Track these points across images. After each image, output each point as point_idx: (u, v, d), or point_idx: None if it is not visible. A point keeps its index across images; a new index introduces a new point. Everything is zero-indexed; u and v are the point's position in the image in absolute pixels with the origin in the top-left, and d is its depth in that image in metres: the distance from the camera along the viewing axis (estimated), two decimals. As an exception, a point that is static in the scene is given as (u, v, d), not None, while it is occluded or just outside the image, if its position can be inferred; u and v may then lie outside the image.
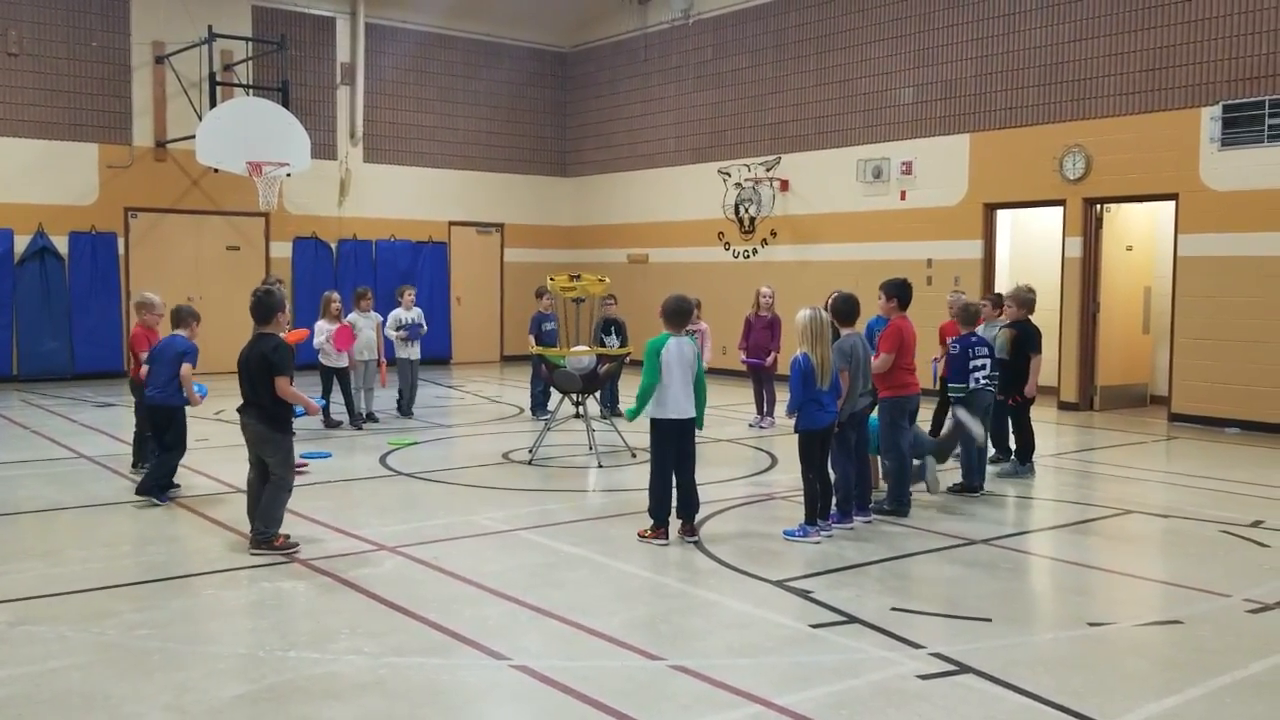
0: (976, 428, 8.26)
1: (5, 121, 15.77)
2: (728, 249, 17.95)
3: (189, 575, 6.28)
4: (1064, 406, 13.79)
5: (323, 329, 11.63)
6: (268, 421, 6.72)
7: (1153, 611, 5.86)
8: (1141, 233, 14.21)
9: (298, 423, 7.21)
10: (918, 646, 5.06)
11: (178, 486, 8.37)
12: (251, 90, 16.72)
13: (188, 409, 8.26)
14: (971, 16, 14.52)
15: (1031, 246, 15.53)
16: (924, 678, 4.68)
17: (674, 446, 7.02)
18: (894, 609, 5.63)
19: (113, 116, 16.59)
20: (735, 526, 7.49)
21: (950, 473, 9.04)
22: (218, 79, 16.11)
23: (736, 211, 17.75)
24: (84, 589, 5.91)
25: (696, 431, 7.15)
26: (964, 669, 4.77)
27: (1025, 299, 9.58)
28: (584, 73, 20.81)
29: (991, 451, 9.28)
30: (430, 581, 6.13)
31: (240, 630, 5.40)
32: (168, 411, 8.17)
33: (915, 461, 8.04)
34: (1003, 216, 15.00)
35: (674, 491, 7.04)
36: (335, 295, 11.98)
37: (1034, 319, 9.66)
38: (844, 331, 7.37)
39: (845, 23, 16.09)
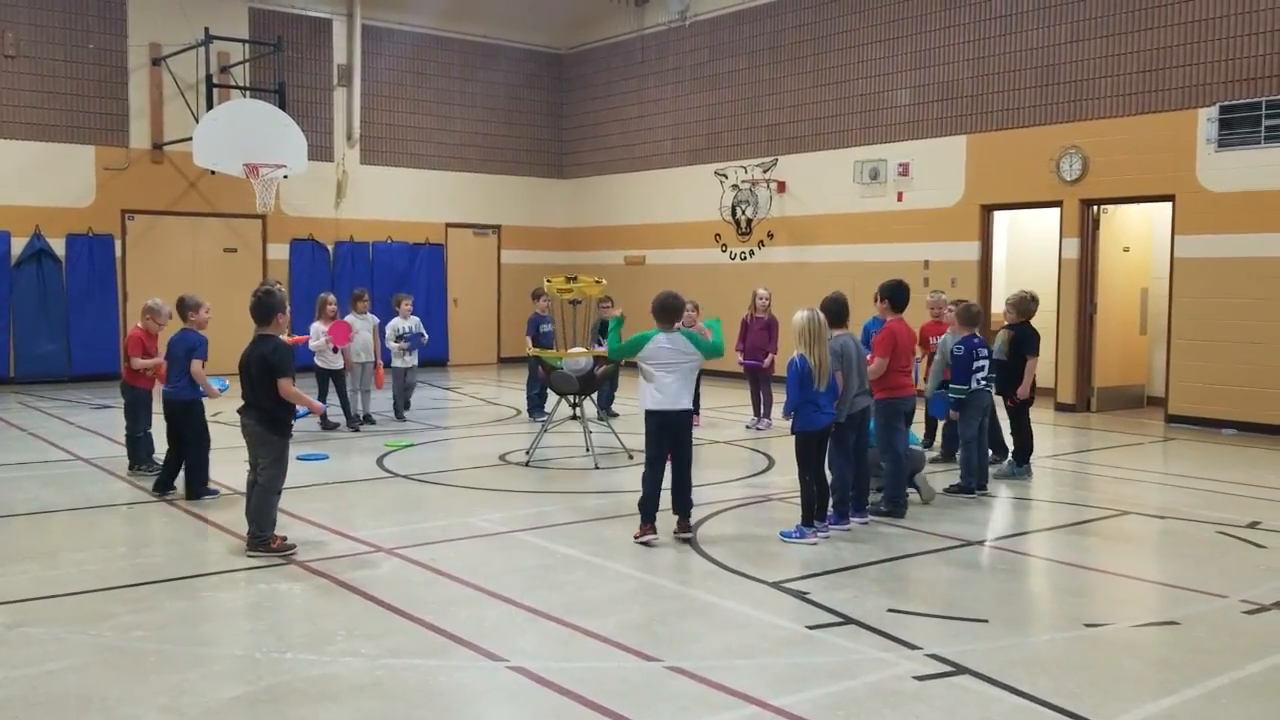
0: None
1: (2, 124, 15.75)
2: (725, 251, 17.96)
3: (186, 577, 6.27)
4: (1061, 408, 13.80)
5: (318, 331, 11.63)
6: (267, 424, 6.71)
7: (1149, 612, 5.86)
8: (1138, 234, 14.23)
9: (295, 424, 7.22)
10: (914, 648, 5.07)
11: (175, 489, 8.38)
12: (248, 92, 16.71)
13: (207, 402, 8.35)
14: (968, 18, 14.53)
15: (1028, 248, 15.56)
16: (920, 679, 4.68)
17: (668, 440, 7.01)
18: (890, 610, 5.64)
19: (110, 119, 16.58)
20: (732, 528, 7.49)
21: (949, 473, 9.05)
22: (214, 81, 16.11)
23: (733, 213, 17.77)
24: (81, 591, 5.91)
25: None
26: (960, 670, 4.78)
27: (1026, 307, 9.55)
28: (580, 74, 20.82)
29: (990, 453, 9.29)
30: (427, 583, 6.13)
31: (237, 632, 5.41)
32: (183, 406, 8.26)
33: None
34: (1000, 218, 15.02)
35: (664, 488, 7.01)
36: (331, 297, 11.98)
37: (1032, 320, 9.66)
38: (835, 332, 7.36)
39: (842, 24, 16.10)
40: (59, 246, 16.13)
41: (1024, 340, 9.44)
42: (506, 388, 16.50)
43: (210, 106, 15.75)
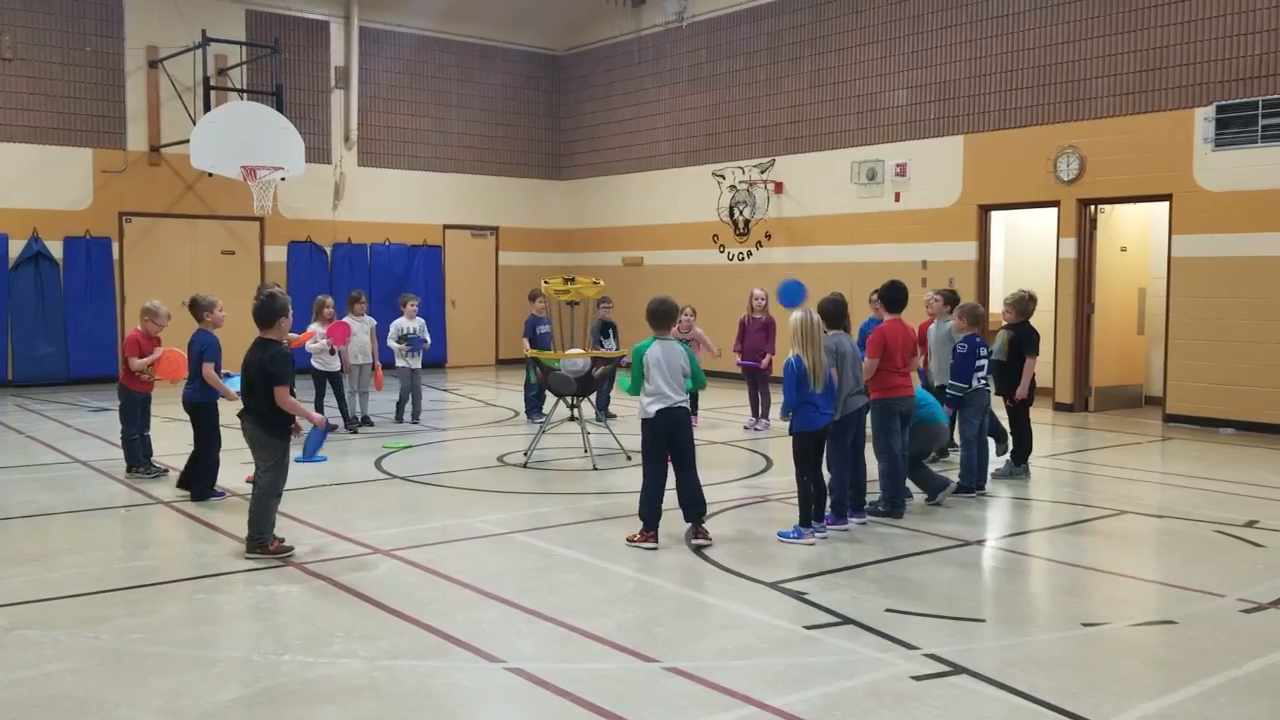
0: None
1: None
2: (722, 251, 17.96)
3: (183, 579, 6.28)
4: (1059, 407, 13.81)
5: (316, 332, 11.62)
6: (265, 427, 6.71)
7: (1147, 612, 5.87)
8: (1136, 234, 14.24)
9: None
10: (912, 647, 5.07)
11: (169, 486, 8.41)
12: (245, 94, 16.70)
13: (221, 404, 8.39)
14: (965, 18, 14.54)
15: (1026, 248, 15.57)
16: (918, 679, 4.68)
17: (667, 439, 6.98)
18: (888, 610, 5.64)
19: (107, 121, 16.58)
20: (730, 528, 7.49)
21: (949, 472, 9.04)
22: (212, 83, 16.09)
23: (731, 214, 17.77)
24: (78, 593, 5.90)
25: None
26: (958, 670, 4.78)
27: (1025, 307, 9.56)
28: (578, 76, 20.82)
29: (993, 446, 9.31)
30: (425, 585, 6.13)
31: (235, 634, 5.40)
32: (194, 408, 8.35)
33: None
34: (997, 218, 15.01)
35: (666, 492, 6.99)
36: (328, 299, 11.97)
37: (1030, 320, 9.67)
38: (830, 332, 7.37)
39: (839, 25, 16.11)
40: (57, 249, 16.12)
41: (1023, 340, 9.45)
42: (504, 389, 16.50)
43: (208, 109, 15.73)
